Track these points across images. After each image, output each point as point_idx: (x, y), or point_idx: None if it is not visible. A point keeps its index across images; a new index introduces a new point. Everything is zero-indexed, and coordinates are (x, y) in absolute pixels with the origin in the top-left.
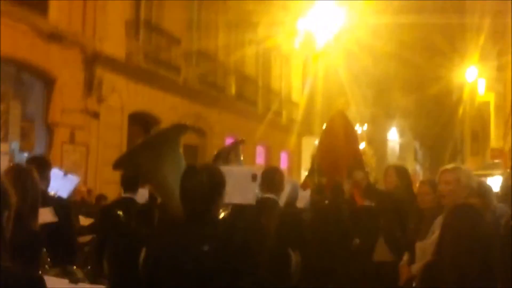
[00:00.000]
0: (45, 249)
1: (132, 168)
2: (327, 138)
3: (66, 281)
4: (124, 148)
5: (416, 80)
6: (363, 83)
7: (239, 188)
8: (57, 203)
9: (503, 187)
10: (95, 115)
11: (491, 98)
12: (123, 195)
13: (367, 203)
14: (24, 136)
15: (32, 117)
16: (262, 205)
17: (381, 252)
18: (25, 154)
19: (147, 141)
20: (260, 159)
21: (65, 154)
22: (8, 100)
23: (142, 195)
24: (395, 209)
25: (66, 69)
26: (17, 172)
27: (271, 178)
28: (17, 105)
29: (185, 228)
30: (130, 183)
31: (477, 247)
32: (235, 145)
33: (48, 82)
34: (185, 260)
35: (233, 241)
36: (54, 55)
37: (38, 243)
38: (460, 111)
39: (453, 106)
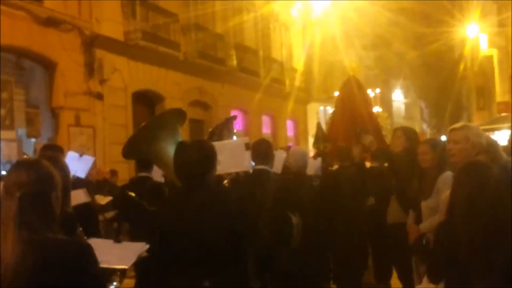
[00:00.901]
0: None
1: (136, 154)
2: (342, 105)
3: (110, 241)
4: (130, 127)
5: (417, 39)
6: (362, 47)
7: (235, 158)
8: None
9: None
10: (99, 96)
11: (494, 53)
12: (138, 174)
13: (372, 165)
14: (30, 122)
15: (36, 103)
16: (256, 176)
17: (395, 214)
18: (33, 140)
19: (145, 127)
20: (266, 129)
21: (72, 137)
22: (11, 88)
23: (158, 172)
24: (407, 170)
25: (66, 53)
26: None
27: (259, 150)
28: (20, 92)
29: (182, 197)
30: (143, 163)
31: (489, 204)
32: (227, 121)
33: (49, 67)
34: (185, 223)
35: (229, 206)
36: (53, 40)
37: (72, 224)
38: (462, 67)
39: (455, 63)
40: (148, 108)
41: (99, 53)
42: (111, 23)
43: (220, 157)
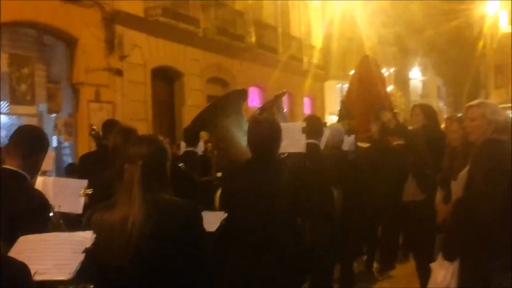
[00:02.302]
0: None
1: (204, 127)
2: (356, 83)
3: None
4: (149, 103)
5: (436, 16)
6: (381, 23)
7: (292, 139)
8: None
9: None
10: (119, 73)
11: None
12: (185, 149)
13: (398, 142)
14: (51, 97)
15: (57, 78)
16: (307, 150)
17: (412, 191)
18: (53, 116)
19: (214, 104)
20: (283, 106)
21: (92, 113)
22: (33, 63)
23: (199, 147)
24: (425, 148)
25: (87, 29)
26: (125, 132)
27: (312, 125)
28: (42, 68)
29: (255, 166)
30: (191, 138)
31: (507, 181)
32: (277, 98)
33: (70, 43)
34: (257, 189)
35: (291, 175)
36: (74, 16)
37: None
38: (481, 44)
39: (474, 40)
40: (167, 84)
41: (119, 29)
42: None
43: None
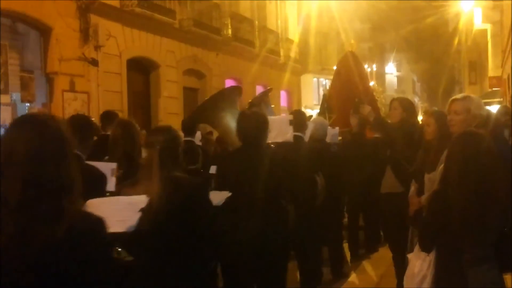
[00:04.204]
0: None
1: (201, 120)
2: (336, 78)
3: None
4: (124, 94)
5: (412, 12)
6: (357, 19)
7: (281, 131)
8: None
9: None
10: (94, 63)
11: (488, 27)
12: (184, 138)
13: (376, 135)
14: (24, 87)
15: (30, 67)
16: (293, 142)
17: (389, 184)
18: (27, 105)
19: (211, 99)
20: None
21: (66, 103)
22: (6, 52)
23: (197, 137)
24: (403, 141)
25: (61, 18)
26: (122, 124)
27: (297, 119)
28: (15, 57)
29: (244, 152)
30: (189, 129)
31: (481, 174)
32: (264, 95)
33: (44, 32)
34: (247, 171)
35: (276, 162)
36: (48, 4)
37: None
38: (456, 41)
39: (449, 37)
40: (143, 75)
41: (94, 19)
42: None
43: (270, 129)
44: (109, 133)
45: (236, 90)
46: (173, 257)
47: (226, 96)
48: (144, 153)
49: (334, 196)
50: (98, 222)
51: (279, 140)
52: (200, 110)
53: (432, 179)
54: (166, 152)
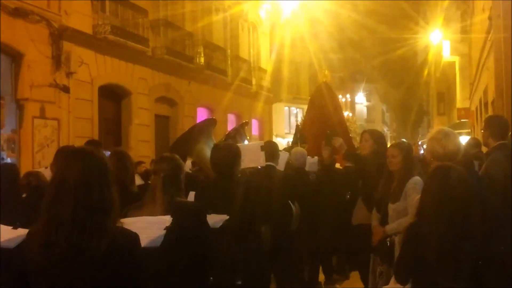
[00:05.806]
0: None
1: (181, 151)
2: (312, 108)
3: None
4: (95, 121)
5: (383, 44)
6: (329, 49)
7: (252, 157)
8: None
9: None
10: (65, 89)
11: (456, 60)
12: None
13: (347, 165)
14: None
15: (1, 93)
16: (265, 171)
17: (360, 215)
18: None
19: (188, 132)
20: (231, 127)
21: (36, 129)
22: None
23: (186, 165)
24: (375, 173)
25: (33, 44)
26: (118, 154)
27: (268, 149)
28: None
29: (217, 183)
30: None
31: (457, 207)
32: (240, 127)
33: (15, 58)
34: (219, 200)
35: (248, 191)
36: (21, 30)
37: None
38: (425, 73)
39: (419, 68)
40: (115, 102)
41: (66, 45)
42: (80, 16)
43: (242, 156)
44: None
45: (211, 122)
46: (173, 275)
47: (205, 129)
48: (138, 181)
49: (310, 221)
50: (135, 237)
51: (252, 165)
52: (179, 143)
53: (396, 209)
54: (169, 179)
